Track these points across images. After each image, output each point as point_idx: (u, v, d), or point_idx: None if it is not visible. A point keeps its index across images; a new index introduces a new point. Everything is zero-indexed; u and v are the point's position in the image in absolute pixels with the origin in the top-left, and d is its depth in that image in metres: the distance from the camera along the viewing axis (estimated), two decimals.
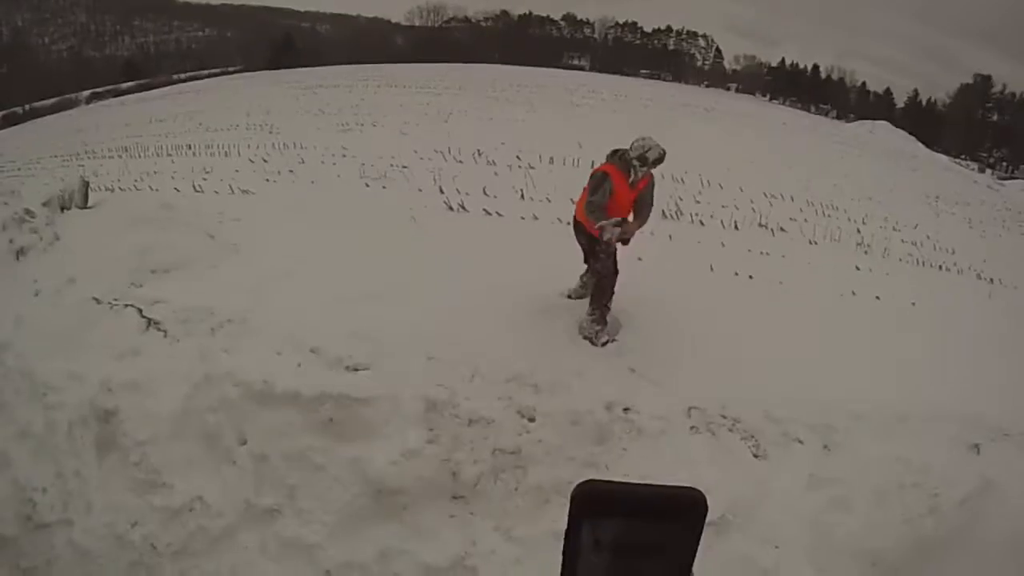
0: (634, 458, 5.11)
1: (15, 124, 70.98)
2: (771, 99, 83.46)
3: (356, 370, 5.57)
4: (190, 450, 5.47)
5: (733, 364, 5.97)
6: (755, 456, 5.19)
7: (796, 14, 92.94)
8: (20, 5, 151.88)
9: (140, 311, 6.87)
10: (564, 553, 1.02)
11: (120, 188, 14.59)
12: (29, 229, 9.47)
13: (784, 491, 4.83)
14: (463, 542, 4.84)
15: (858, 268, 9.70)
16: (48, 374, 6.23)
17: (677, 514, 1.01)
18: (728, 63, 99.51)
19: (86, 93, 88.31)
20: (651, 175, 6.32)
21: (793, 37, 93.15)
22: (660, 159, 6.10)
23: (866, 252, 10.81)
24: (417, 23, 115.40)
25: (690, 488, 0.99)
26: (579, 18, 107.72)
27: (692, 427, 5.33)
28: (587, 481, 0.99)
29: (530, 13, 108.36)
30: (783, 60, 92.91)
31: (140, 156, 20.99)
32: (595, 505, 0.99)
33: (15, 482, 5.66)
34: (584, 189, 6.35)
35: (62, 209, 10.44)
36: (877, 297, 8.36)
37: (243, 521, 5.15)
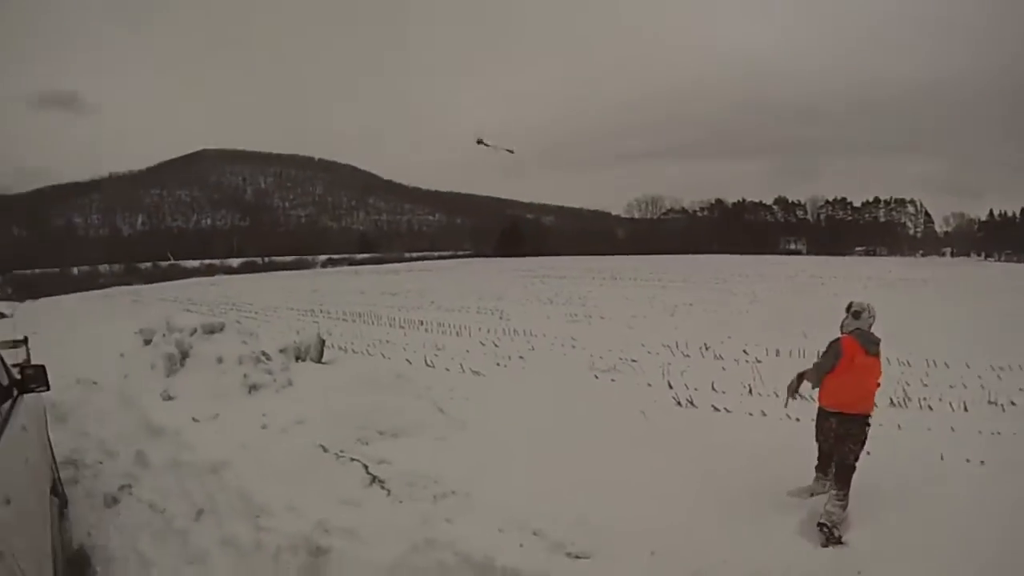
0: None
1: (254, 271, 77.12)
2: (986, 257, 79.86)
3: (577, 557, 5.42)
4: None
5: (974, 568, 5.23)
6: None
7: (990, 162, 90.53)
8: (265, 171, 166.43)
9: (366, 467, 7.18)
10: None
11: (354, 351, 15.76)
12: (264, 370, 10.41)
13: None
14: None
15: None
16: (265, 499, 6.57)
17: None
18: (939, 226, 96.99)
19: (322, 257, 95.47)
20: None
21: (996, 185, 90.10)
22: (860, 313, 6.21)
23: None
24: (636, 215, 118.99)
25: None
26: (790, 200, 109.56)
27: None
28: None
29: (743, 200, 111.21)
30: (991, 212, 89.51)
31: (373, 323, 22.58)
32: None
33: None
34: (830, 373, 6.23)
35: (297, 359, 11.45)
36: None
37: None
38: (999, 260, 75.51)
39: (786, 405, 6.86)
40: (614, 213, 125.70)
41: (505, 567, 5.22)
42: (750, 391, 10.87)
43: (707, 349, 14.70)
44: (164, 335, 11.52)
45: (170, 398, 9.98)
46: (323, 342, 12.38)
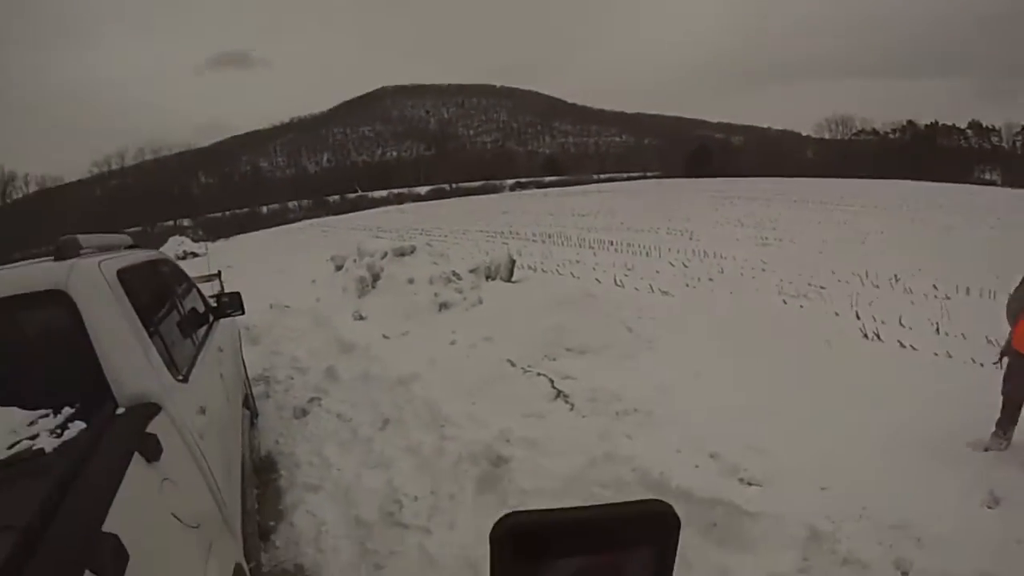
0: None
1: (442, 198, 78.46)
2: None
3: (749, 484, 5.48)
4: None
5: None
6: None
7: None
8: (446, 100, 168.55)
9: (552, 381, 7.45)
10: None
11: (543, 270, 16.19)
12: (454, 289, 10.86)
13: None
14: None
15: None
16: (450, 411, 6.90)
17: (643, 532, 0.84)
18: None
19: (510, 181, 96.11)
20: None
21: None
22: None
23: None
24: (826, 136, 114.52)
25: (654, 500, 0.84)
26: (985, 125, 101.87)
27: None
28: (511, 513, 0.82)
29: (936, 122, 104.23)
30: None
31: (562, 244, 22.91)
32: (530, 544, 0.81)
33: (389, 482, 6.21)
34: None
35: (487, 278, 11.81)
36: None
37: None
38: None
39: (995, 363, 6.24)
40: (803, 133, 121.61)
41: (679, 487, 5.34)
42: (937, 329, 10.39)
43: (897, 281, 14.13)
44: (355, 260, 12.38)
45: (361, 318, 10.61)
46: (513, 262, 12.62)
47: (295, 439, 7.51)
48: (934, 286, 13.60)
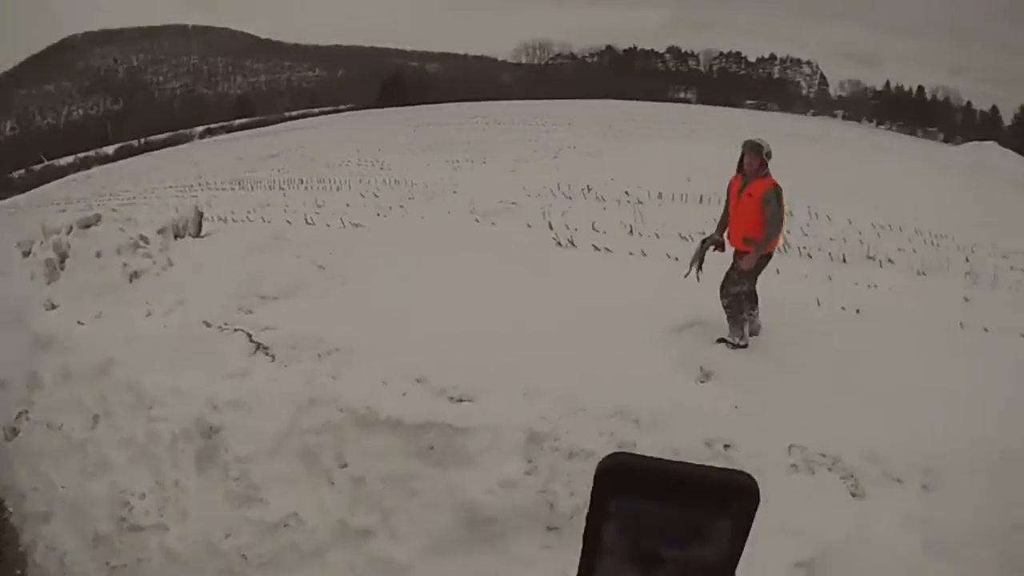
0: None
1: (131, 156, 73.96)
2: (877, 124, 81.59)
3: (460, 401, 5.65)
4: (290, 469, 5.67)
5: (836, 401, 5.79)
6: (853, 495, 5.03)
7: (900, 33, 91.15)
8: (135, 46, 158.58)
9: (249, 336, 7.20)
10: (585, 541, 0.83)
11: (233, 219, 15.22)
12: (143, 254, 10.14)
13: (881, 533, 4.64)
14: (555, 573, 4.73)
15: (967, 299, 9.43)
16: (155, 389, 6.61)
17: (724, 501, 0.81)
18: (833, 89, 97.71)
19: (200, 129, 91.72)
20: (768, 183, 6.72)
21: (898, 57, 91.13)
22: (753, 150, 6.75)
23: (975, 282, 10.51)
24: (524, 60, 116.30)
25: (740, 472, 0.82)
26: (683, 50, 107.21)
27: (792, 465, 5.21)
28: (616, 454, 0.81)
29: (635, 47, 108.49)
30: (888, 83, 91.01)
31: (253, 189, 21.85)
32: (626, 483, 0.81)
33: (113, 485, 6.01)
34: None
35: (176, 237, 11.16)
36: (985, 329, 8.07)
37: (335, 540, 5.31)
38: (890, 129, 77.06)
39: (686, 275, 6.94)
40: (500, 59, 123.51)
41: (389, 417, 5.45)
42: (631, 231, 10.90)
43: (589, 191, 14.76)
44: (41, 242, 11.24)
45: (53, 306, 9.73)
46: (200, 215, 12.11)
47: (11, 464, 7.13)
48: (626, 192, 14.34)
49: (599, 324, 6.80)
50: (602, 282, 8.26)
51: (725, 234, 6.98)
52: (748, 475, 0.80)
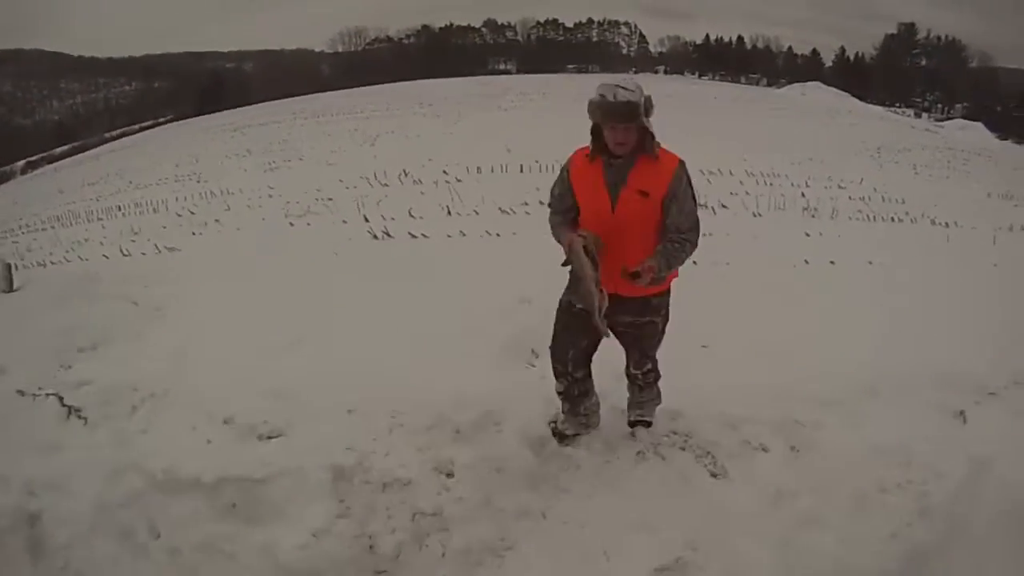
0: (574, 501, 4.62)
1: None
2: (700, 76, 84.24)
3: (270, 438, 5.20)
4: (108, 550, 5.03)
5: (680, 364, 5.26)
6: (713, 476, 4.69)
7: None
8: None
9: (61, 399, 6.42)
10: None
11: (52, 262, 14.04)
12: None
13: (748, 514, 4.32)
14: None
15: (807, 234, 9.46)
16: None
17: None
18: (653, 46, 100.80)
19: (20, 163, 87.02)
20: (671, 165, 4.28)
21: (710, 10, 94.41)
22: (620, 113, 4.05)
23: (813, 216, 10.63)
24: (340, 49, 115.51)
25: None
26: (500, 23, 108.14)
27: (638, 452, 4.83)
28: None
29: (451, 24, 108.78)
30: (707, 36, 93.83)
31: (71, 224, 20.06)
32: None
33: None
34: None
35: None
36: (832, 262, 8.10)
37: None
38: (712, 79, 79.43)
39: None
40: (317, 49, 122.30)
41: (188, 476, 4.98)
42: (448, 212, 10.78)
43: (406, 175, 14.46)
44: None
45: None
46: (9, 267, 10.71)
47: None
48: (444, 172, 14.21)
49: (419, 320, 6.39)
50: (421, 272, 7.90)
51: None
52: None
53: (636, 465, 4.72)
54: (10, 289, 10.21)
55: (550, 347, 4.78)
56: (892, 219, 11.10)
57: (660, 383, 4.96)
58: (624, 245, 4.25)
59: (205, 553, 4.76)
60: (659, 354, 4.81)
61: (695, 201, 4.34)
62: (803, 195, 11.89)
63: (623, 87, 4.04)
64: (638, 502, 4.45)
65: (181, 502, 4.94)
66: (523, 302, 6.54)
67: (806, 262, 8.06)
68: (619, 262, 4.19)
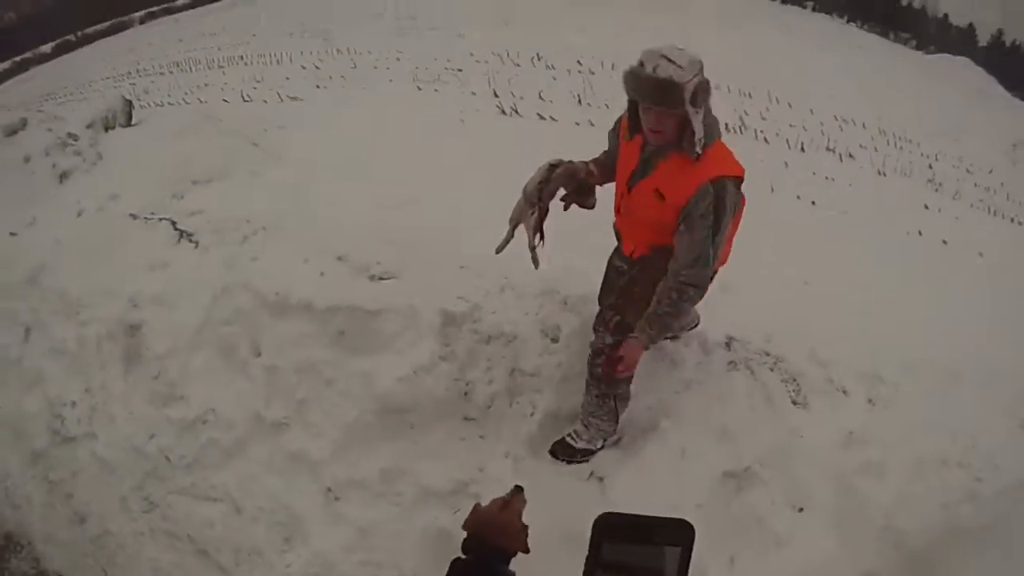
0: (663, 389, 4.67)
1: (70, 51, 70.26)
2: (849, 21, 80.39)
3: (382, 279, 5.33)
4: (207, 362, 5.43)
5: (782, 294, 5.51)
6: (794, 403, 4.70)
7: None
8: None
9: (174, 223, 6.79)
10: (585, 573, 1.26)
11: (169, 103, 14.67)
12: (73, 152, 9.45)
13: (818, 447, 4.37)
14: (470, 467, 4.64)
15: (927, 207, 9.23)
16: (83, 291, 6.24)
17: (674, 540, 1.25)
18: None
19: (139, 14, 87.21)
20: (701, 178, 3.54)
21: None
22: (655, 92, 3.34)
23: (936, 191, 10.36)
24: None
25: (682, 520, 1.26)
26: None
27: (730, 362, 4.86)
28: (606, 514, 1.27)
29: None
30: None
31: (191, 71, 21.08)
32: (611, 532, 1.25)
33: (46, 398, 5.76)
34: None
35: (106, 129, 10.37)
36: (944, 241, 7.84)
37: (252, 434, 5.10)
38: (862, 28, 75.84)
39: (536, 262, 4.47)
40: None
41: (300, 300, 5.17)
42: (579, 100, 10.46)
43: (539, 59, 14.22)
44: None
45: None
46: (130, 104, 11.14)
47: None
48: (578, 62, 13.76)
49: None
50: (546, 152, 7.50)
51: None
52: (686, 521, 1.27)
53: (727, 373, 4.78)
54: (128, 123, 10.66)
55: None
56: (1013, 219, 10.74)
57: (708, 335, 4.92)
58: (635, 229, 4.03)
59: (304, 375, 5.03)
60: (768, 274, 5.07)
61: (715, 230, 3.61)
62: (931, 167, 11.57)
63: (669, 59, 3.26)
64: (722, 408, 4.53)
65: (289, 324, 5.19)
66: None
67: (920, 233, 7.80)
68: (629, 233, 4.10)
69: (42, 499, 5.46)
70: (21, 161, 9.37)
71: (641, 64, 3.32)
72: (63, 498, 5.36)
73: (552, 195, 4.09)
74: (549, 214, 4.13)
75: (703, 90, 3.33)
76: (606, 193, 4.09)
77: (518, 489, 2.95)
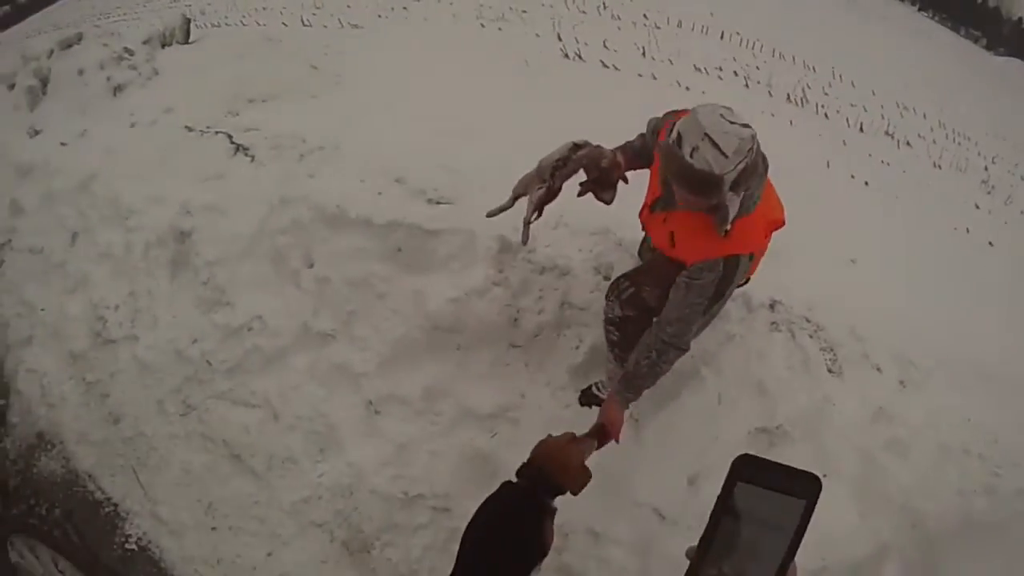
0: (707, 339, 4.65)
1: None
2: (920, 10, 78.58)
3: (438, 203, 5.41)
4: (257, 271, 5.57)
5: (828, 268, 5.56)
6: (830, 371, 4.78)
7: None
8: None
9: (230, 137, 6.90)
10: (713, 512, 1.28)
11: (226, 24, 14.79)
12: (128, 66, 9.53)
13: (848, 418, 4.46)
14: (512, 392, 4.75)
15: (977, 207, 9.13)
16: (132, 198, 6.39)
17: (803, 492, 1.26)
18: None
19: None
20: (712, 250, 3.40)
21: None
22: (671, 165, 3.09)
23: (989, 193, 10.23)
24: None
25: (813, 474, 1.26)
26: None
27: (772, 323, 4.94)
28: (744, 455, 1.28)
29: None
30: None
31: None
32: (747, 473, 1.27)
33: (89, 301, 5.91)
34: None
35: (163, 46, 10.54)
36: (990, 243, 7.75)
37: (297, 343, 5.24)
38: (933, 18, 74.15)
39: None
40: None
41: (358, 215, 5.28)
42: (644, 53, 10.60)
43: (605, 8, 14.05)
44: (22, 70, 10.53)
45: (36, 132, 9.15)
46: (188, 21, 11.29)
47: None
48: (644, 15, 13.67)
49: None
50: (607, 99, 7.74)
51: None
52: (817, 476, 1.27)
53: (768, 333, 4.86)
54: (186, 41, 10.81)
55: None
56: None
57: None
58: (655, 237, 3.82)
59: (356, 288, 5.16)
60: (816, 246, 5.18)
61: (714, 300, 3.52)
62: (986, 169, 11.41)
63: (713, 141, 2.87)
64: (761, 365, 4.62)
65: (346, 237, 5.30)
66: None
67: (967, 230, 7.73)
68: (652, 235, 3.89)
69: (78, 399, 5.65)
70: (75, 74, 9.48)
71: (679, 141, 2.95)
72: (99, 398, 5.56)
73: (566, 177, 3.93)
74: (558, 197, 3.99)
75: (748, 175, 3.03)
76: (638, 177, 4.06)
77: (596, 434, 2.99)
